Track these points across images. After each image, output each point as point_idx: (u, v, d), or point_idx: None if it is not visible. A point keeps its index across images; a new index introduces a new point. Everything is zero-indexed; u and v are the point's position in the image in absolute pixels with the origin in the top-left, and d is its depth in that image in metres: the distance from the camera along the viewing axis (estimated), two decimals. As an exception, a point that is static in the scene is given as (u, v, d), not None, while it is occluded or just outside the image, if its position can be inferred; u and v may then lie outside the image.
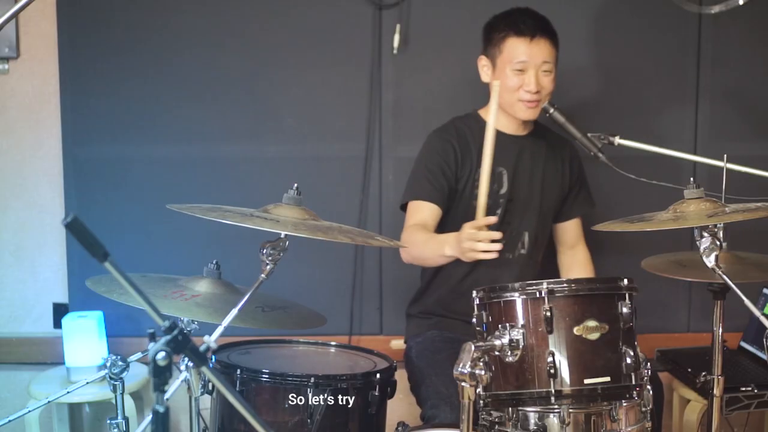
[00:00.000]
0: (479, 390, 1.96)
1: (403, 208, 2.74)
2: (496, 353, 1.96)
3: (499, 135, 2.72)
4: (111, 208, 3.13)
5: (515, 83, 2.62)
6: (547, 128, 2.82)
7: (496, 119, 2.61)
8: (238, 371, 2.18)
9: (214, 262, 2.21)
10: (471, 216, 2.64)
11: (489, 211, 2.67)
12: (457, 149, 2.69)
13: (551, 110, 2.67)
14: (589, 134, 2.66)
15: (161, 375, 1.25)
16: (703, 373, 2.32)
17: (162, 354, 1.25)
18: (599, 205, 2.98)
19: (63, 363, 2.97)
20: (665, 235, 2.47)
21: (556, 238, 2.91)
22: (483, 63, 2.70)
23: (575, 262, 2.90)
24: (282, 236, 2.05)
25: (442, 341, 2.68)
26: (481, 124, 2.73)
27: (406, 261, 2.72)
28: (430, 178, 2.68)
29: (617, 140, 2.66)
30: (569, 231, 2.88)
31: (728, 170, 2.43)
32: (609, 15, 3.14)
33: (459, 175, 2.69)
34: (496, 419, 2.03)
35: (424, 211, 2.66)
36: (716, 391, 2.30)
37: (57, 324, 3.18)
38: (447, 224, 2.67)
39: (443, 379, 2.44)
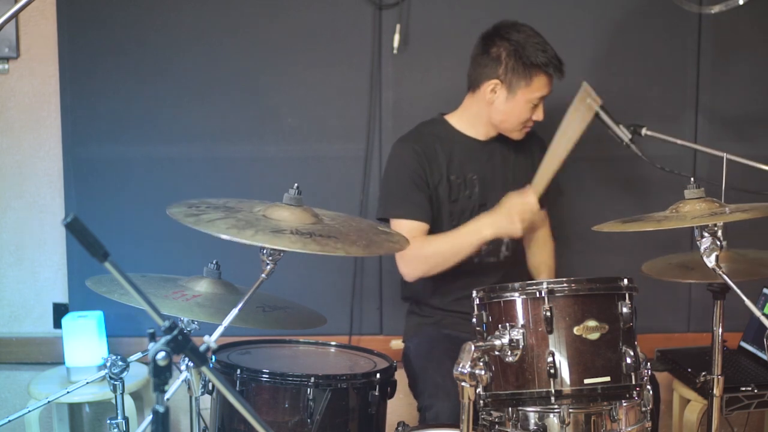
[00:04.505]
0: (479, 390, 1.96)
1: (380, 219, 2.70)
2: (496, 353, 1.96)
3: (470, 141, 2.73)
4: (111, 208, 3.12)
5: (528, 114, 2.64)
6: None
7: (472, 127, 2.71)
8: (238, 371, 2.18)
9: (214, 262, 2.21)
10: (446, 220, 2.67)
11: (464, 217, 2.68)
12: (424, 157, 2.67)
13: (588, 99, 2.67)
14: (620, 125, 2.68)
15: (161, 375, 1.25)
16: (703, 373, 2.32)
17: (162, 354, 1.25)
18: (599, 205, 2.97)
19: (63, 363, 2.97)
20: (665, 235, 2.48)
21: None
22: (495, 87, 2.62)
23: (534, 241, 2.86)
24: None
25: (439, 337, 2.69)
26: (448, 129, 2.73)
27: (413, 278, 2.68)
28: (410, 195, 2.66)
29: (644, 131, 2.69)
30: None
31: (728, 174, 2.44)
32: (609, 15, 3.14)
33: (430, 183, 2.68)
34: (496, 419, 2.03)
35: (413, 229, 2.63)
36: (716, 391, 2.30)
37: (57, 324, 3.18)
38: None
39: (440, 371, 2.44)
